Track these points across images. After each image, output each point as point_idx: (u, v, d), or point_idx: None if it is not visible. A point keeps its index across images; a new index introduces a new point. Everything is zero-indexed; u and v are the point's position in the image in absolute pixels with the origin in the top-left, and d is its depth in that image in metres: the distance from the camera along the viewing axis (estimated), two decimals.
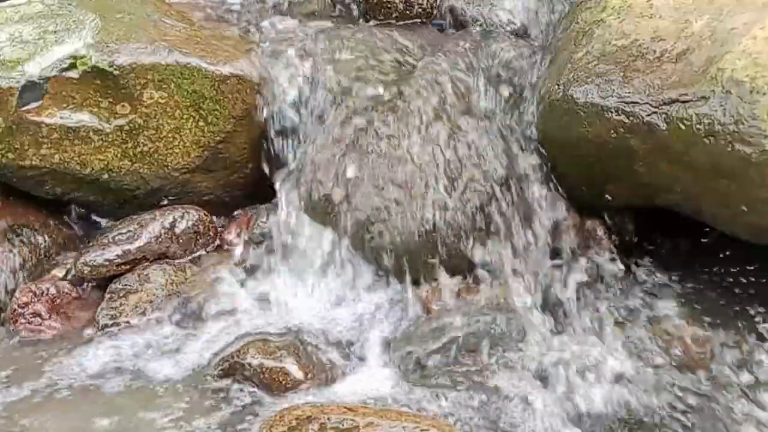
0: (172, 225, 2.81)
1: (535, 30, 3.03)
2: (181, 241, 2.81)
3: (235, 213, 2.97)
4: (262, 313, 2.62)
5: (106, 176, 2.85)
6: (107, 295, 2.68)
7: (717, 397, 2.28)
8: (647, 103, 2.40)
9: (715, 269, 2.65)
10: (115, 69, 2.79)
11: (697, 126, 2.30)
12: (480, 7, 3.11)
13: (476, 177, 2.66)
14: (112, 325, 2.61)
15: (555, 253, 2.66)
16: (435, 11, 3.16)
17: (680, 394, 2.28)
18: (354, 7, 3.20)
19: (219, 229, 2.92)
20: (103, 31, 2.85)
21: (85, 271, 2.72)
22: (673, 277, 2.65)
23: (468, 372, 2.38)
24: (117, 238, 2.77)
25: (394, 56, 2.89)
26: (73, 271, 2.75)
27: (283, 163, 2.86)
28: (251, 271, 2.77)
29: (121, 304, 2.64)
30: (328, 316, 2.60)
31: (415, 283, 2.63)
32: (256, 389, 2.35)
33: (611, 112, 2.46)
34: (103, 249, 2.74)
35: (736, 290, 2.58)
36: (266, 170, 2.90)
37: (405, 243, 2.61)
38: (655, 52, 2.47)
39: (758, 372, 2.34)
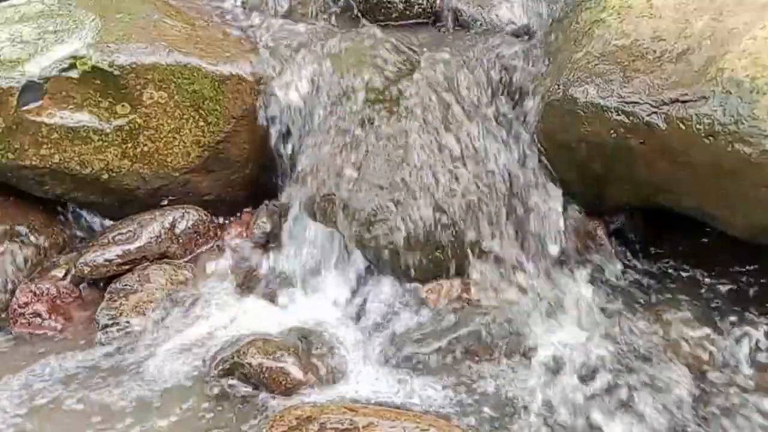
0: (172, 225, 2.81)
1: (535, 30, 3.03)
2: (181, 241, 2.81)
3: (236, 213, 2.97)
4: (262, 312, 2.62)
5: (106, 176, 2.85)
6: (107, 295, 2.68)
7: (716, 396, 2.28)
8: (647, 103, 2.40)
9: (715, 269, 2.65)
10: (115, 69, 2.79)
11: (697, 126, 2.31)
12: (480, 7, 3.11)
13: (476, 177, 2.66)
14: (112, 325, 2.61)
15: (555, 253, 2.66)
16: (435, 11, 3.16)
17: (680, 394, 2.28)
18: (354, 7, 3.20)
19: (219, 229, 2.92)
20: (103, 31, 2.85)
21: (85, 271, 2.72)
22: (673, 277, 2.66)
23: (468, 372, 2.38)
24: (117, 238, 2.77)
25: (394, 56, 2.89)
26: (73, 271, 2.75)
27: (284, 163, 2.86)
28: (251, 271, 2.77)
29: (121, 304, 2.64)
30: (329, 315, 2.60)
31: (416, 282, 2.63)
32: (256, 389, 2.35)
33: (611, 112, 2.46)
34: (103, 249, 2.74)
35: (736, 290, 2.58)
36: (266, 170, 2.91)
37: (405, 242, 2.61)
38: (655, 52, 2.47)
39: (758, 372, 2.34)
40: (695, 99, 2.32)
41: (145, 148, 2.84)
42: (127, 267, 2.73)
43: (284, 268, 2.72)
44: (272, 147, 2.89)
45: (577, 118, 2.54)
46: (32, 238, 2.85)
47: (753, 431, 2.20)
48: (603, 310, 2.53)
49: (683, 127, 2.33)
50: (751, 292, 2.57)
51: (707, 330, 2.43)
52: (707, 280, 2.63)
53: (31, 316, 2.67)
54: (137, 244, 2.76)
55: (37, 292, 2.70)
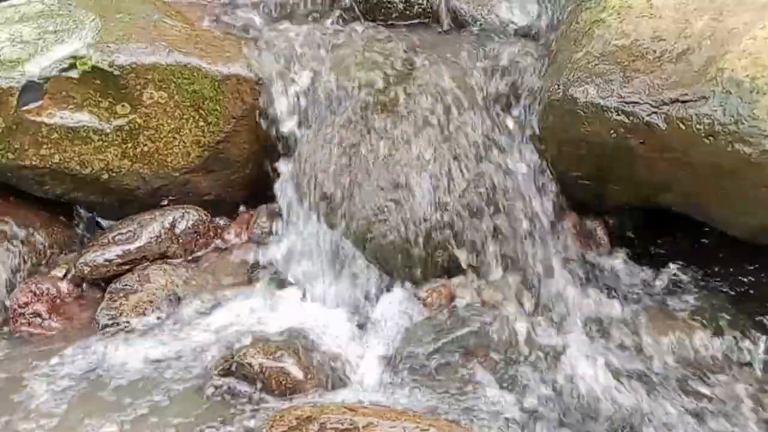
0: (172, 225, 2.81)
1: (535, 30, 3.03)
2: (181, 241, 2.81)
3: (236, 213, 2.97)
4: (262, 313, 2.62)
5: (106, 176, 2.85)
6: (107, 295, 2.68)
7: (716, 396, 2.28)
8: (647, 103, 2.40)
9: (715, 269, 2.65)
10: (115, 69, 2.79)
11: (697, 126, 2.31)
12: (480, 7, 3.11)
13: (476, 177, 2.66)
14: (111, 325, 2.61)
15: (555, 254, 2.66)
16: (435, 11, 3.16)
17: (679, 393, 2.28)
18: (354, 7, 3.20)
19: (219, 229, 2.92)
20: (103, 31, 2.85)
21: (85, 271, 2.72)
22: (673, 278, 2.65)
23: (467, 372, 2.38)
24: (117, 238, 2.77)
25: (393, 56, 2.89)
26: (73, 271, 2.75)
27: (284, 163, 2.86)
28: (251, 271, 2.77)
29: (121, 304, 2.64)
30: (329, 316, 2.60)
31: (415, 283, 2.63)
32: (256, 389, 2.35)
33: (611, 112, 2.46)
34: (103, 249, 2.75)
35: (737, 290, 2.58)
36: (266, 170, 2.91)
37: (405, 243, 2.61)
38: (655, 52, 2.47)
39: (758, 371, 2.34)
40: (695, 99, 2.32)
41: (145, 148, 2.84)
42: (127, 267, 2.73)
43: (284, 269, 2.72)
44: (271, 147, 2.88)
45: (577, 118, 2.54)
46: (32, 238, 2.85)
47: (753, 430, 2.20)
48: (602, 310, 2.53)
49: (683, 127, 2.33)
50: (751, 291, 2.57)
51: (707, 330, 2.43)
52: (707, 280, 2.63)
53: (31, 316, 2.67)
54: (137, 244, 2.76)
55: (37, 292, 2.70)
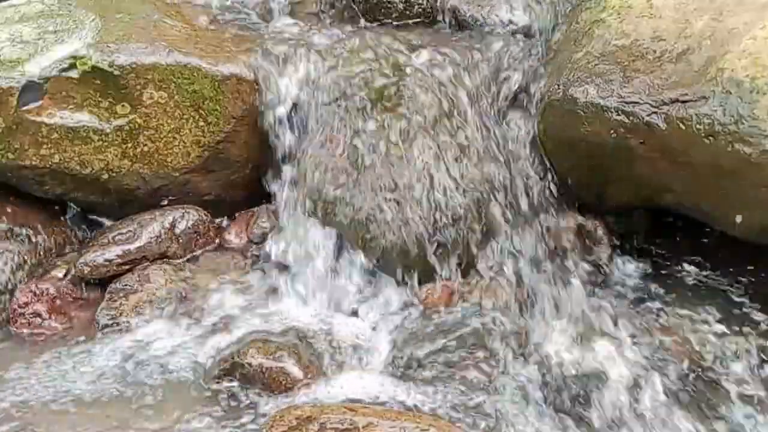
0: (172, 225, 2.81)
1: (535, 30, 3.03)
2: (181, 241, 2.81)
3: (236, 213, 2.97)
4: (262, 313, 2.62)
5: (106, 176, 2.85)
6: (107, 295, 2.68)
7: (717, 396, 2.28)
8: (647, 103, 2.40)
9: (715, 269, 2.65)
10: (115, 69, 2.79)
11: (697, 126, 2.31)
12: (480, 7, 3.11)
13: (475, 177, 2.66)
14: (112, 325, 2.61)
15: (554, 254, 2.66)
16: (435, 11, 3.16)
17: (680, 393, 2.28)
18: (354, 7, 3.20)
19: (219, 229, 2.92)
20: (103, 31, 2.85)
21: (85, 271, 2.72)
22: (673, 278, 2.66)
23: (467, 372, 2.38)
24: (117, 238, 2.77)
25: (393, 57, 2.89)
26: (73, 271, 2.75)
27: (283, 164, 2.86)
28: (251, 271, 2.77)
29: (121, 304, 2.65)
30: (328, 316, 2.60)
31: (416, 283, 2.63)
32: (256, 389, 2.35)
33: (611, 112, 2.46)
34: (103, 249, 2.75)
35: (736, 290, 2.58)
36: (266, 169, 2.91)
37: (405, 243, 2.61)
38: (655, 52, 2.48)
39: (757, 371, 2.34)
40: (695, 99, 2.32)
41: (145, 148, 2.84)
42: (127, 267, 2.73)
43: (284, 268, 2.72)
44: (271, 147, 2.88)
45: (577, 118, 2.54)
46: (32, 238, 2.85)
47: (752, 430, 2.20)
48: (602, 310, 2.53)
49: (683, 127, 2.33)
50: (751, 291, 2.57)
51: (707, 329, 2.44)
52: (707, 279, 2.63)
53: (31, 316, 2.67)
54: (137, 244, 2.76)
55: (37, 292, 2.70)
